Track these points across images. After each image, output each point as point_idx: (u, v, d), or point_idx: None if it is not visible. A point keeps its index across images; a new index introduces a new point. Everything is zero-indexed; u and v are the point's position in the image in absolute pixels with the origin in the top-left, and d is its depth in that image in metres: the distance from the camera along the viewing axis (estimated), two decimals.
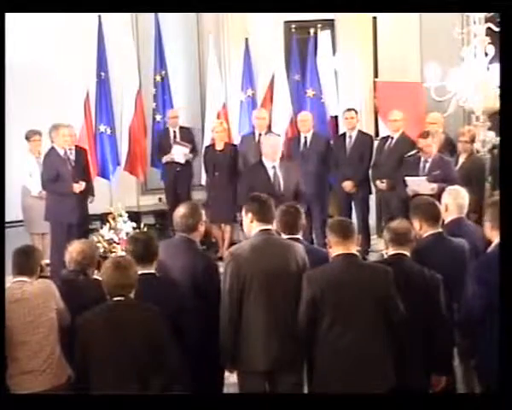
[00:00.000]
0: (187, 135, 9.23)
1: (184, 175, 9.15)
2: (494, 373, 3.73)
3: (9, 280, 4.26)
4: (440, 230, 4.59)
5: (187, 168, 9.15)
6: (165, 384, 3.80)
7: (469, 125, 7.85)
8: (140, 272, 4.10)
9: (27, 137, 8.11)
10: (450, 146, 7.81)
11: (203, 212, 4.63)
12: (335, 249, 4.06)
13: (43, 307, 4.07)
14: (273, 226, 4.35)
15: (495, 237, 4.14)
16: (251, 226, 4.29)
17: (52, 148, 7.55)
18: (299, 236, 4.54)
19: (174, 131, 9.15)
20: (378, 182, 8.04)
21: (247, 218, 4.31)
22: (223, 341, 4.16)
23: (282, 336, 4.11)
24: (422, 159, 7.10)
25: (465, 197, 5.06)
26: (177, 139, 9.09)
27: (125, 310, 3.83)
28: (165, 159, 9.07)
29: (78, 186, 7.51)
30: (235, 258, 4.14)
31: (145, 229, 6.43)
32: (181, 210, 4.55)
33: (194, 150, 9.16)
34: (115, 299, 3.84)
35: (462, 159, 7.40)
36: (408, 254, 4.21)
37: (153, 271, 4.20)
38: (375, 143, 8.45)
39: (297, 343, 4.11)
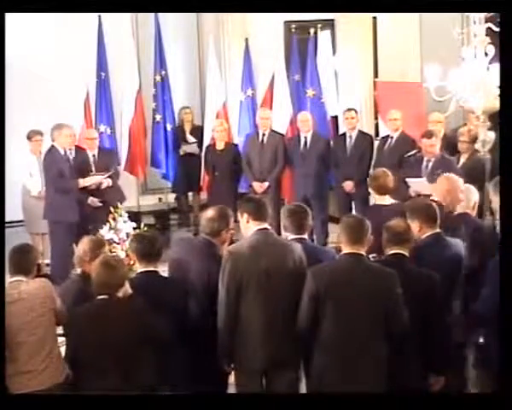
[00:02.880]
0: (108, 158, 8.05)
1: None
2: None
3: (7, 279, 4.27)
4: (439, 230, 4.60)
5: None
6: (148, 383, 3.83)
7: (469, 126, 7.84)
8: (143, 270, 4.12)
9: (29, 137, 8.06)
10: (451, 146, 7.80)
11: (232, 219, 4.55)
12: (344, 248, 4.06)
13: (40, 307, 4.07)
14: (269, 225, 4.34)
15: None
16: (247, 226, 4.28)
17: (52, 146, 7.52)
18: (306, 236, 4.54)
19: (94, 155, 7.91)
20: None
21: (242, 218, 4.31)
22: (220, 339, 4.16)
23: (279, 334, 4.12)
24: (425, 158, 7.09)
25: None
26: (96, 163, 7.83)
27: (109, 309, 3.87)
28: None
29: (83, 181, 7.48)
30: (232, 257, 4.14)
31: (145, 229, 6.42)
32: (209, 213, 4.52)
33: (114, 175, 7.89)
34: (100, 298, 3.89)
35: (463, 159, 7.39)
36: (406, 253, 4.21)
37: (155, 269, 4.20)
38: (375, 143, 8.45)
39: (294, 342, 4.12)
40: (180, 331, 4.03)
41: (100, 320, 3.84)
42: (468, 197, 5.16)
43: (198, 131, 9.54)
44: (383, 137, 8.39)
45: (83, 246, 4.53)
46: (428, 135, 7.12)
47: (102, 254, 4.27)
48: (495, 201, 4.80)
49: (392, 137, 8.05)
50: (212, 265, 4.31)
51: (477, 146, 7.24)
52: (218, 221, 4.46)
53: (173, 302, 4.04)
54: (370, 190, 5.80)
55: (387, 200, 5.55)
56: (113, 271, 3.89)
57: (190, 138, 9.50)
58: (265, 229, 4.26)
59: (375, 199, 5.70)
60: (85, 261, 4.44)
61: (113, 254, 4.48)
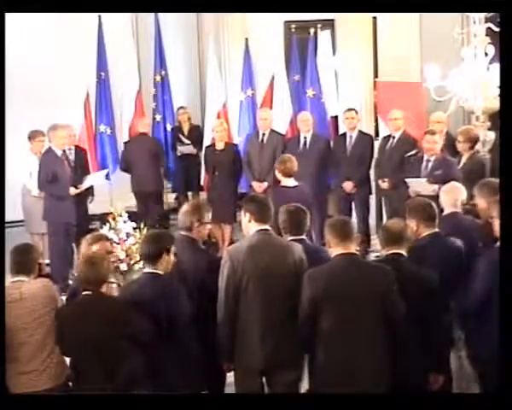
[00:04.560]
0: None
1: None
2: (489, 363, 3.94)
3: (9, 279, 4.27)
4: (437, 230, 4.61)
5: None
6: (129, 379, 3.84)
7: (468, 125, 7.83)
8: (146, 271, 4.15)
9: (32, 137, 8.00)
10: (452, 146, 7.79)
11: (207, 213, 4.59)
12: (335, 249, 4.06)
13: (41, 308, 4.07)
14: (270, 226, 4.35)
15: None
16: (249, 226, 4.29)
17: (49, 148, 7.48)
18: (304, 236, 4.55)
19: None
20: (380, 181, 8.02)
21: (245, 218, 4.33)
22: (219, 339, 4.18)
23: (278, 334, 4.12)
24: (425, 157, 7.07)
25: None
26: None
27: (91, 304, 3.90)
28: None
29: (74, 189, 7.43)
30: (232, 257, 4.15)
31: (145, 229, 6.42)
32: (184, 207, 4.59)
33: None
34: (84, 293, 3.94)
35: (464, 159, 7.38)
36: (404, 253, 4.21)
37: (155, 270, 4.16)
38: (376, 143, 8.44)
39: (293, 342, 4.11)
40: (172, 330, 4.03)
41: (81, 316, 3.88)
42: (456, 196, 5.17)
43: (196, 131, 9.55)
44: (385, 137, 8.36)
45: (80, 248, 4.55)
46: (431, 132, 7.12)
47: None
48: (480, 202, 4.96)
49: (394, 137, 8.04)
50: (196, 259, 4.36)
51: (477, 146, 7.25)
52: (190, 215, 4.49)
53: (171, 303, 4.03)
54: (277, 172, 6.39)
55: (292, 182, 6.30)
56: (93, 267, 3.92)
57: (184, 139, 9.49)
58: (266, 230, 4.26)
59: (281, 181, 6.38)
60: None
61: (101, 251, 4.45)
